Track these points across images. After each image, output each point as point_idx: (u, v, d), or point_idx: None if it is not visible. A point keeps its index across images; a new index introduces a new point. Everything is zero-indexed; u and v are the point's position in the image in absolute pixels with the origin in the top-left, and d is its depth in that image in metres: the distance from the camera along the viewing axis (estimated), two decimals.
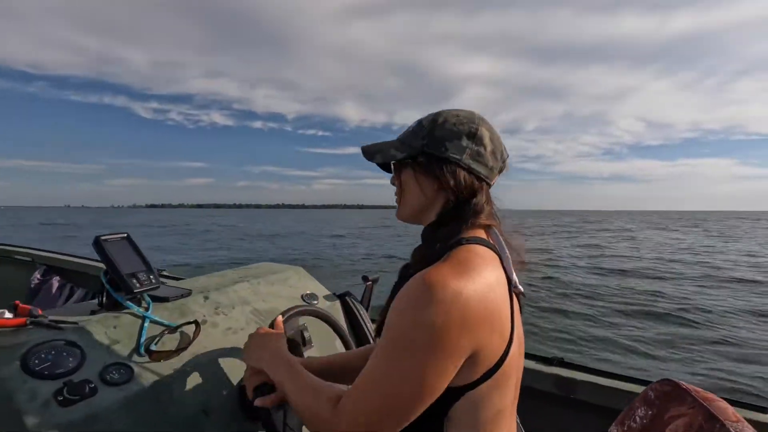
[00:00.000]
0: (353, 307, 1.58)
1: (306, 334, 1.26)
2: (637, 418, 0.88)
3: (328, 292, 1.57)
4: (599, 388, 1.31)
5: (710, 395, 0.78)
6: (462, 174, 0.75)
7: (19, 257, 3.30)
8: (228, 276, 1.43)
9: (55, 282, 2.86)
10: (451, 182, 0.75)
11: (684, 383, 0.84)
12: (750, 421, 1.05)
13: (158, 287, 1.08)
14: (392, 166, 0.85)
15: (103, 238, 1.03)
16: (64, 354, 0.85)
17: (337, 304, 1.54)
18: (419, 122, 0.81)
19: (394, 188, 0.86)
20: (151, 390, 0.88)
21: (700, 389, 0.81)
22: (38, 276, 2.97)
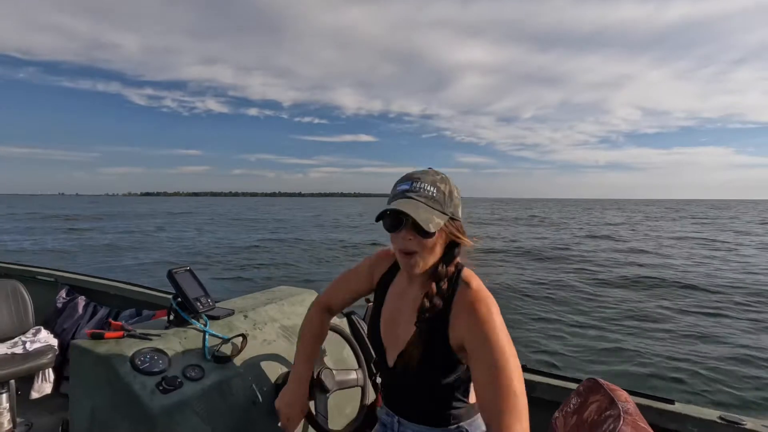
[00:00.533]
0: (358, 325, 1.89)
1: (322, 346, 1.58)
2: (572, 406, 1.22)
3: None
4: (548, 387, 1.64)
5: (615, 387, 1.12)
6: (459, 226, 1.00)
7: (42, 278, 3.57)
8: (258, 298, 1.76)
9: (81, 301, 3.13)
10: (455, 235, 0.99)
11: (601, 380, 1.18)
12: (641, 406, 1.40)
13: (214, 308, 1.40)
14: (420, 229, 0.93)
15: (174, 271, 1.36)
16: (156, 357, 1.16)
17: (345, 321, 1.86)
18: (439, 189, 0.96)
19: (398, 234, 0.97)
20: (217, 385, 1.20)
21: (609, 383, 1.15)
22: (63, 295, 3.24)
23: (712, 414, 1.40)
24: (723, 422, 1.35)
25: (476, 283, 0.99)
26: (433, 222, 0.92)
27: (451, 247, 1.01)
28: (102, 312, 3.10)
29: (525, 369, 1.77)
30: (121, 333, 1.22)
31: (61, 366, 2.83)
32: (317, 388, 1.33)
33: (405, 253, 0.97)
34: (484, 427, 1.07)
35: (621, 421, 0.92)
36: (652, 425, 1.37)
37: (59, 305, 3.18)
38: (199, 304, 1.34)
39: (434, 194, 0.95)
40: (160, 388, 1.08)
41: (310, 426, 1.29)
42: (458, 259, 1.02)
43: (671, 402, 1.46)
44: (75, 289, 3.37)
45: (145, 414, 1.02)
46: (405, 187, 0.97)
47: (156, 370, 1.13)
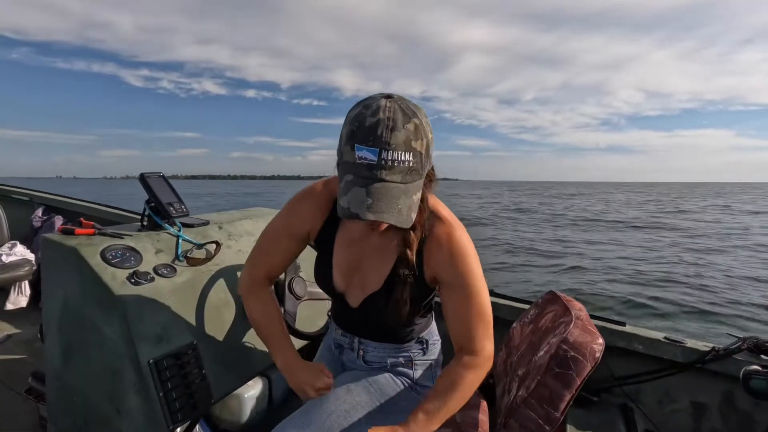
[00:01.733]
0: None
1: (296, 261, 1.61)
2: (529, 316, 1.30)
3: None
4: (510, 308, 1.75)
5: (571, 299, 1.19)
6: (432, 171, 0.86)
7: (16, 197, 3.50)
8: (234, 214, 1.76)
9: (58, 220, 3.10)
10: (431, 188, 0.89)
11: (559, 292, 1.25)
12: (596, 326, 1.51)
13: (187, 215, 1.40)
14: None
15: (146, 175, 1.34)
16: (128, 254, 1.18)
17: None
18: (416, 152, 0.73)
19: None
20: (189, 284, 1.23)
21: (567, 296, 1.22)
22: (39, 214, 3.20)
23: (657, 335, 1.52)
24: (666, 341, 1.47)
25: (446, 213, 0.92)
26: (414, 208, 0.76)
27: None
28: None
29: (492, 293, 1.86)
30: (92, 230, 1.22)
31: (38, 281, 2.86)
32: (288, 294, 1.37)
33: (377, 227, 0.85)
34: (435, 333, 1.13)
35: (572, 324, 0.98)
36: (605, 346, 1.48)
37: (36, 224, 3.14)
38: (172, 209, 1.34)
39: (411, 164, 0.73)
40: (131, 280, 1.10)
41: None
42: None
43: (623, 324, 1.58)
44: (51, 209, 3.32)
45: (115, 302, 1.04)
46: (371, 157, 0.71)
47: (127, 264, 1.14)
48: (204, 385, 1.14)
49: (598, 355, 0.93)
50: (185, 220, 1.46)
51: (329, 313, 1.62)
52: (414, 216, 0.76)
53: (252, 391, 1.50)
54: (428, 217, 0.90)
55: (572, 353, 0.92)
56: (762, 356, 1.36)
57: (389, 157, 0.71)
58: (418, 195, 0.77)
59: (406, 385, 1.08)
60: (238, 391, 1.28)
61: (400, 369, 1.09)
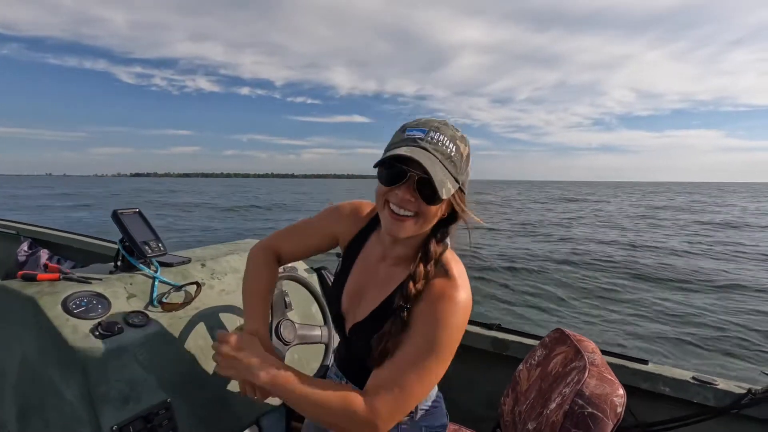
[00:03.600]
0: (328, 281, 1.82)
1: (287, 299, 1.50)
2: (536, 358, 1.17)
3: (306, 266, 1.81)
4: (518, 344, 1.61)
5: (582, 337, 1.07)
6: (463, 199, 0.85)
7: (3, 230, 3.40)
8: (220, 249, 1.66)
9: (44, 254, 2.99)
10: (460, 208, 0.84)
11: (567, 330, 1.13)
12: (614, 365, 1.37)
13: (165, 254, 1.30)
14: (428, 191, 0.77)
15: (119, 211, 1.24)
16: (94, 302, 1.07)
17: (314, 276, 1.79)
18: (458, 149, 0.79)
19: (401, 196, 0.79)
20: (163, 332, 1.11)
21: (577, 334, 1.10)
22: (25, 248, 3.09)
23: (685, 374, 1.38)
24: (696, 382, 1.33)
25: (457, 270, 0.85)
26: (446, 187, 0.76)
27: (447, 222, 0.87)
28: (66, 266, 2.97)
29: (492, 327, 1.73)
30: (56, 275, 1.12)
31: None
32: (276, 339, 1.26)
33: (397, 214, 0.80)
34: (432, 399, 1.03)
35: (586, 373, 0.87)
36: (625, 386, 1.36)
37: (21, 258, 3.04)
38: (147, 248, 1.23)
39: (452, 153, 0.78)
40: (96, 333, 0.99)
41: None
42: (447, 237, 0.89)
43: (645, 362, 1.44)
44: (38, 242, 3.22)
45: (75, 359, 0.93)
46: (418, 133, 0.78)
47: (93, 314, 1.03)
48: None
49: (620, 409, 0.81)
50: (165, 258, 1.35)
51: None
52: (445, 196, 0.75)
53: None
54: (439, 266, 0.84)
55: (590, 409, 0.80)
56: None
57: (434, 138, 0.78)
58: (450, 189, 0.77)
59: None
60: None
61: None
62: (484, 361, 1.70)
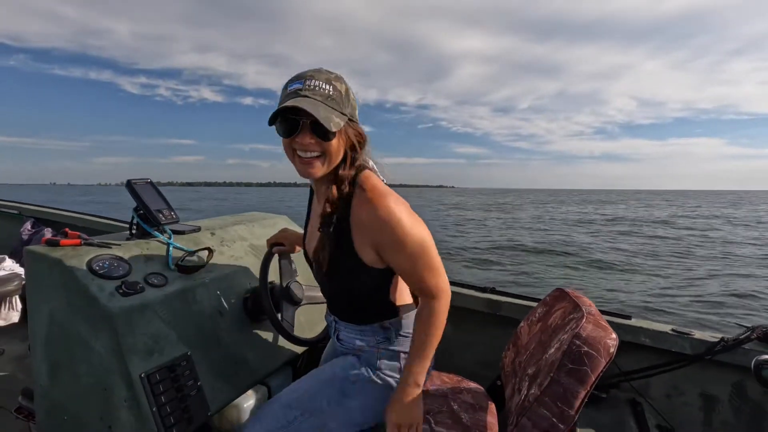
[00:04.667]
0: None
1: (293, 265, 1.57)
2: (537, 315, 1.26)
3: None
4: (515, 305, 1.70)
5: (580, 294, 1.15)
6: (357, 127, 0.97)
7: (5, 210, 3.42)
8: (227, 219, 1.71)
9: (47, 233, 3.03)
10: (357, 141, 0.96)
11: (567, 289, 1.21)
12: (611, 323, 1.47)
13: (177, 221, 1.35)
14: (321, 130, 0.88)
15: (133, 181, 1.29)
16: (116, 264, 1.13)
17: None
18: (335, 88, 0.90)
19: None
20: (180, 293, 1.18)
21: (575, 291, 1.18)
22: (29, 227, 3.13)
23: (664, 327, 1.48)
24: (674, 333, 1.43)
25: (372, 181, 0.95)
26: (334, 121, 0.87)
27: (352, 150, 0.98)
28: None
29: (485, 290, 1.82)
30: (78, 241, 1.17)
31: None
32: (285, 299, 1.33)
33: (306, 159, 0.91)
34: (406, 325, 1.11)
35: (584, 320, 0.95)
36: None
37: (25, 237, 3.07)
38: (161, 215, 1.29)
39: (330, 92, 0.89)
40: (120, 291, 1.06)
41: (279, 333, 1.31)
42: (359, 162, 0.99)
43: (628, 317, 1.54)
44: (41, 221, 3.25)
45: (103, 315, 1.00)
46: (297, 86, 0.89)
47: (115, 275, 1.09)
48: (200, 397, 1.09)
49: (612, 350, 0.89)
50: (176, 227, 1.41)
51: None
52: (335, 129, 0.87)
53: (251, 400, 1.45)
54: (356, 184, 0.95)
55: (586, 348, 0.88)
56: None
57: (311, 85, 0.89)
58: (339, 123, 0.88)
59: (370, 370, 1.08)
60: (237, 401, 1.24)
61: (366, 355, 1.09)
62: (479, 323, 1.78)
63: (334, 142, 0.91)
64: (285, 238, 1.39)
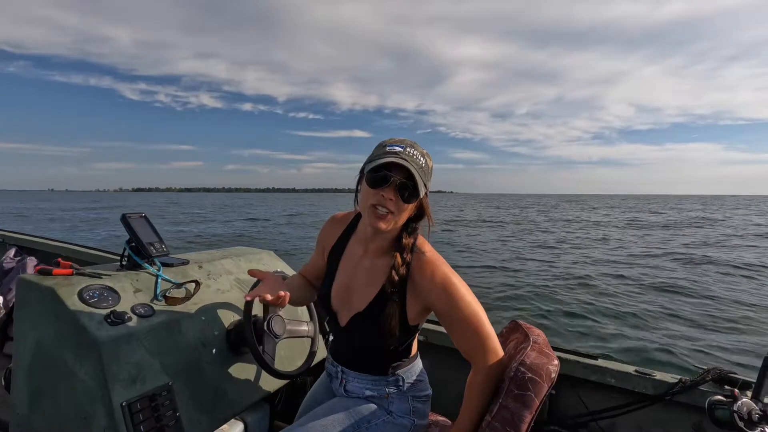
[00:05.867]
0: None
1: None
2: None
3: (294, 272, 1.95)
4: None
5: (531, 326, 1.25)
6: (427, 202, 1.06)
7: None
8: (215, 254, 1.78)
9: (30, 262, 3.02)
10: (423, 209, 1.06)
11: (521, 321, 1.30)
12: (569, 361, 1.55)
13: (168, 254, 1.42)
14: (406, 193, 0.98)
15: (128, 215, 1.37)
16: (105, 294, 1.18)
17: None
18: (426, 162, 1.01)
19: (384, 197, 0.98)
20: (166, 324, 1.23)
21: (527, 323, 1.27)
22: (11, 255, 3.11)
23: (628, 368, 1.56)
24: (636, 374, 1.51)
25: (429, 249, 1.07)
26: (421, 190, 0.98)
27: (413, 219, 1.08)
28: None
29: None
30: (70, 270, 1.23)
31: (5, 326, 2.74)
32: (267, 332, 1.38)
33: (380, 213, 0.99)
34: (417, 373, 1.20)
35: (528, 348, 1.04)
36: (578, 378, 1.51)
37: (6, 266, 3.05)
38: (152, 248, 1.36)
39: (423, 165, 1.00)
40: (108, 320, 1.11)
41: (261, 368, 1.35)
42: (417, 233, 1.09)
43: (595, 358, 1.62)
44: (24, 249, 3.24)
45: (91, 343, 1.04)
46: (398, 148, 0.99)
47: (105, 305, 1.15)
48: (177, 428, 1.12)
49: (553, 375, 0.97)
50: (165, 259, 1.48)
51: (328, 338, 1.63)
52: (420, 196, 0.98)
53: None
54: (414, 251, 1.05)
55: (530, 375, 0.96)
56: (725, 386, 1.41)
57: (410, 153, 0.99)
58: (422, 192, 0.98)
59: (383, 411, 1.14)
60: None
61: (377, 401, 1.15)
62: (456, 359, 1.84)
63: (410, 207, 1.01)
64: (269, 290, 1.16)
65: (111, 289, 1.21)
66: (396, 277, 1.02)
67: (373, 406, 1.14)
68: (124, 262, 1.38)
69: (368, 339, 1.09)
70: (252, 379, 1.42)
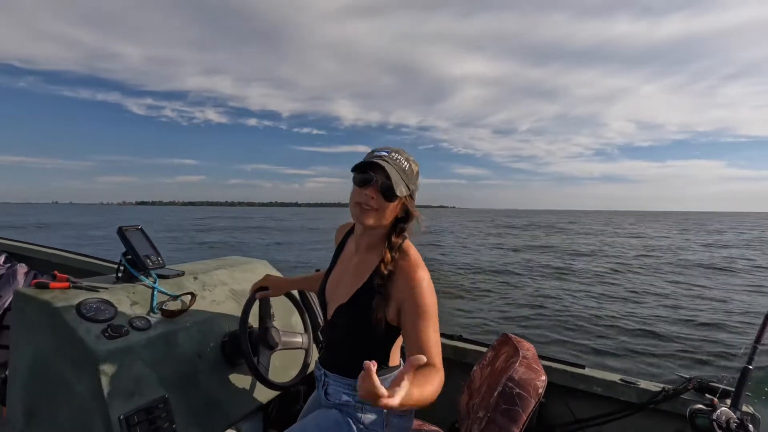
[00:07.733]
0: (307, 294, 1.98)
1: (271, 310, 1.65)
2: (487, 359, 1.37)
3: None
4: (472, 351, 1.81)
5: (521, 340, 1.29)
6: (413, 204, 1.14)
7: None
8: (209, 264, 1.80)
9: (21, 269, 3.00)
10: (410, 211, 1.13)
11: (511, 335, 1.34)
12: (557, 370, 1.59)
13: (164, 267, 1.44)
14: (387, 191, 1.06)
15: (124, 228, 1.39)
16: (102, 307, 1.20)
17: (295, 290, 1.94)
18: (410, 166, 1.10)
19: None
20: (163, 336, 1.25)
21: (518, 337, 1.31)
22: (1, 262, 3.09)
23: (614, 377, 1.60)
24: (622, 383, 1.56)
25: (413, 252, 1.13)
26: (400, 188, 1.06)
27: (402, 220, 1.14)
28: (45, 279, 2.99)
29: (453, 337, 1.93)
30: (67, 284, 1.25)
31: None
32: (262, 343, 1.41)
33: (364, 208, 1.07)
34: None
35: (517, 363, 1.07)
36: (565, 387, 1.55)
37: None
38: (149, 261, 1.38)
39: (406, 168, 1.10)
40: (106, 334, 1.13)
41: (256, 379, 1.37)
42: (406, 233, 1.15)
43: (582, 367, 1.66)
44: (15, 256, 3.22)
45: (89, 357, 1.06)
46: (384, 153, 1.10)
47: (102, 318, 1.17)
48: None
49: (541, 390, 1.01)
50: (161, 271, 1.49)
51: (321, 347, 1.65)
52: (398, 194, 1.05)
53: None
54: (400, 252, 1.10)
55: (517, 390, 1.00)
56: (706, 395, 1.46)
57: (394, 157, 1.09)
58: (403, 191, 1.07)
59: (353, 423, 1.14)
60: None
61: (349, 410, 1.16)
62: (445, 368, 1.88)
63: (392, 205, 1.09)
64: (269, 283, 1.48)
65: (108, 303, 1.22)
66: (385, 271, 1.07)
67: (343, 417, 1.15)
68: (120, 275, 1.40)
69: (349, 330, 1.14)
70: (247, 390, 1.44)
